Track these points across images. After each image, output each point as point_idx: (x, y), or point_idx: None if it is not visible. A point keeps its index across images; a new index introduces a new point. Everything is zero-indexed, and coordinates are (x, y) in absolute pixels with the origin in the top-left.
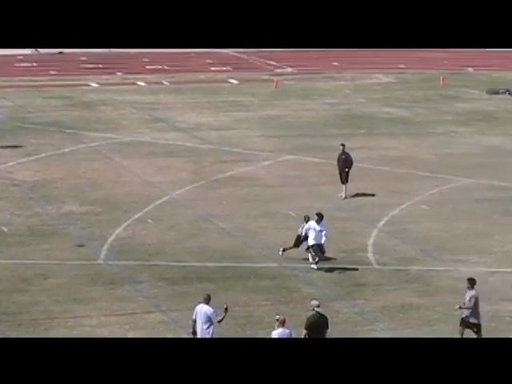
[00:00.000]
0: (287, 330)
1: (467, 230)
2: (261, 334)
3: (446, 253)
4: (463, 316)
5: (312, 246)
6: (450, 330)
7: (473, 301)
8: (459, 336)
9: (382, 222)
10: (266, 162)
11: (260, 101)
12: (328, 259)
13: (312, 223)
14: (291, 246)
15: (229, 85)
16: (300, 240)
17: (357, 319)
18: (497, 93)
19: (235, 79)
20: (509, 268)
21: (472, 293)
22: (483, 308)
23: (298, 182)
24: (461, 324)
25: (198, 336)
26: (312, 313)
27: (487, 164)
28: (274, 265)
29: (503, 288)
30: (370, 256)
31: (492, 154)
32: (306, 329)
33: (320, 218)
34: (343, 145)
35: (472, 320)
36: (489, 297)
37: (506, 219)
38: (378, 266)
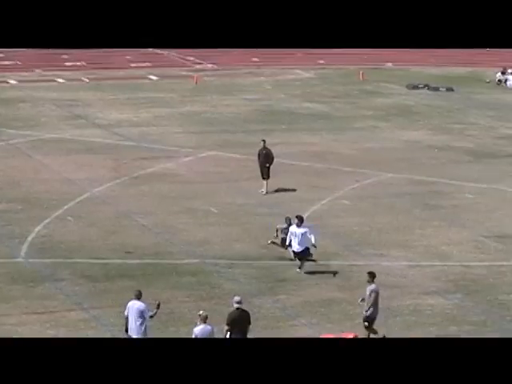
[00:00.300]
0: (209, 327)
1: (388, 224)
2: (183, 331)
3: (367, 247)
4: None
5: (298, 252)
6: None
7: (373, 295)
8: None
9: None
10: (187, 158)
11: (180, 97)
12: (313, 260)
13: (293, 228)
14: (279, 244)
15: (149, 81)
16: (286, 245)
17: (279, 315)
18: (416, 88)
19: (155, 75)
20: (429, 262)
21: (372, 287)
22: (404, 302)
23: (219, 178)
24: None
25: (131, 332)
26: (233, 308)
27: (407, 158)
28: (196, 261)
29: (424, 281)
30: (291, 251)
31: (411, 149)
32: (227, 324)
33: (300, 220)
34: (264, 140)
35: (368, 313)
36: (410, 291)
37: (425, 213)
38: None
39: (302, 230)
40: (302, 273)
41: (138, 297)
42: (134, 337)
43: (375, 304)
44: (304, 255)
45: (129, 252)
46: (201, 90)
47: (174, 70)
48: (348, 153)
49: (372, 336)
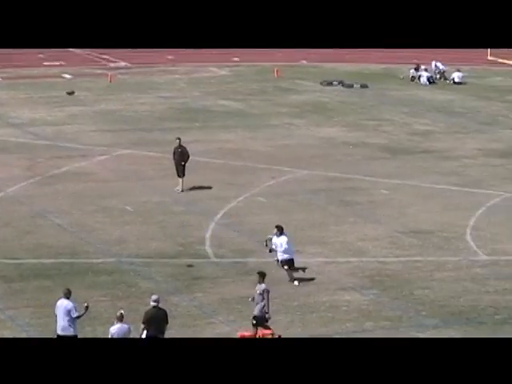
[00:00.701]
0: (125, 325)
1: (303, 221)
2: (99, 330)
3: None
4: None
5: (284, 261)
6: (289, 321)
7: (266, 295)
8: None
9: (219, 215)
10: (102, 157)
11: (94, 95)
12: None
13: (274, 239)
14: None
15: (62, 80)
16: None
17: (196, 312)
18: (330, 84)
19: (69, 74)
20: (345, 258)
21: (263, 286)
22: (321, 298)
23: (134, 177)
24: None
25: (59, 330)
26: (150, 307)
27: (322, 155)
28: (112, 260)
29: (340, 278)
30: (208, 249)
31: (326, 146)
32: (143, 323)
33: (280, 230)
34: (179, 138)
35: (257, 313)
36: (326, 287)
37: (341, 210)
38: (215, 259)
39: (282, 240)
40: (296, 282)
41: (67, 295)
42: (63, 334)
43: (266, 303)
44: (289, 263)
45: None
46: (115, 89)
47: (88, 68)
48: (263, 150)
49: (252, 335)
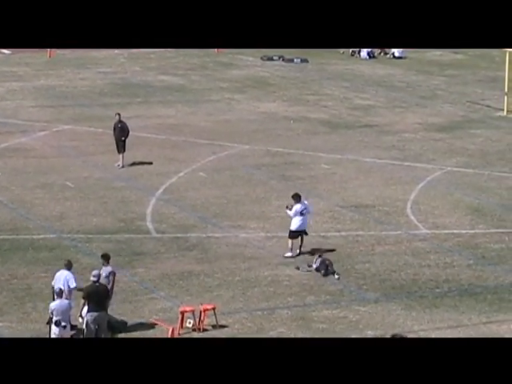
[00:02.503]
0: (66, 301)
1: (245, 196)
2: (40, 306)
3: (224, 219)
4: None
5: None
6: (230, 295)
7: (111, 277)
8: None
9: (160, 191)
10: (42, 133)
11: (34, 71)
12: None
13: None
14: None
15: (1, 55)
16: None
17: (137, 288)
18: (271, 59)
19: (7, 49)
20: (286, 233)
21: (108, 269)
22: (262, 273)
23: (75, 152)
24: None
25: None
26: (90, 282)
27: (263, 130)
28: (53, 236)
29: (281, 252)
30: (149, 224)
31: (267, 121)
32: (83, 298)
33: (295, 199)
34: (119, 114)
35: None
36: (268, 262)
37: (282, 184)
38: (157, 235)
39: (295, 207)
40: (289, 254)
41: (68, 266)
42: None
43: (113, 287)
44: (289, 234)
45: None
46: (55, 64)
47: None
48: (204, 125)
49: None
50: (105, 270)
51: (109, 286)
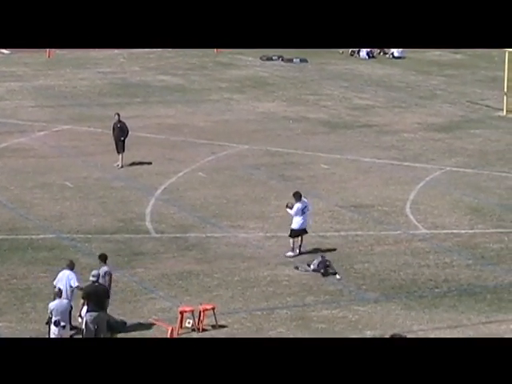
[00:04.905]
0: (65, 301)
1: (244, 196)
2: (39, 306)
3: (223, 219)
4: None
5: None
6: (229, 295)
7: (107, 277)
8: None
9: (160, 191)
10: (41, 133)
11: (33, 71)
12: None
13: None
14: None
15: (0, 55)
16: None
17: (136, 288)
18: (270, 59)
19: (6, 49)
20: (286, 233)
21: (105, 269)
22: (261, 273)
23: (74, 152)
24: None
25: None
26: (90, 282)
27: (262, 130)
28: (52, 236)
29: (281, 252)
30: (149, 224)
31: (266, 121)
32: (83, 298)
33: (296, 197)
34: (118, 114)
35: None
36: (267, 261)
37: (281, 184)
38: (156, 235)
39: (296, 205)
40: (290, 253)
41: (70, 266)
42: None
43: (109, 285)
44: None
45: None
46: (54, 64)
47: None
48: (203, 125)
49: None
50: (101, 270)
51: (104, 283)
